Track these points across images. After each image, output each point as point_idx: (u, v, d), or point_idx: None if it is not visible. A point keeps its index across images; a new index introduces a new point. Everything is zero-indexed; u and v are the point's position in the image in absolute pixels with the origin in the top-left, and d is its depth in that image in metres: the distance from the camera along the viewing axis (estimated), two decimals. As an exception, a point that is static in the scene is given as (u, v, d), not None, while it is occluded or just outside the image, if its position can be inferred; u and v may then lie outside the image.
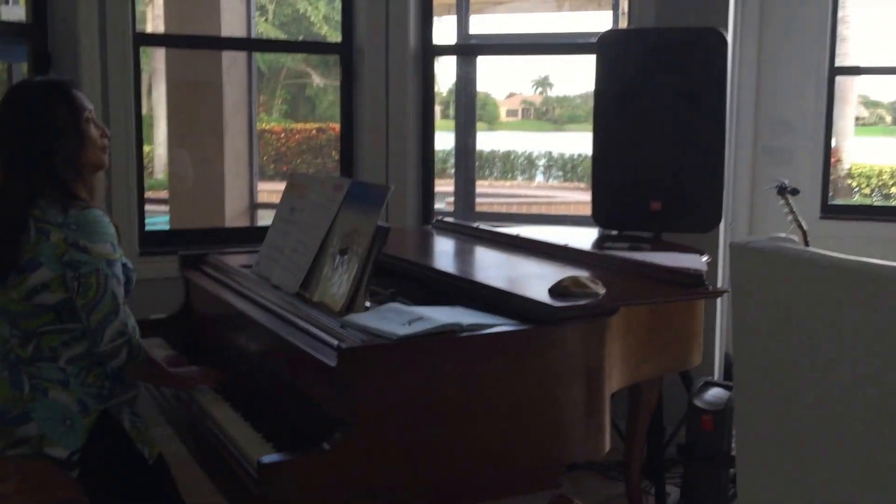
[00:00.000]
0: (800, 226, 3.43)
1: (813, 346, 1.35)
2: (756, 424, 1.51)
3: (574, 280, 2.11)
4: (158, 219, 5.77)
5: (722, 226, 3.55)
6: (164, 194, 6.31)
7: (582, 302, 2.04)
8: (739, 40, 4.15)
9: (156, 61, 6.91)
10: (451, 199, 4.79)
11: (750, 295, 1.50)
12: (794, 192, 3.48)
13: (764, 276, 1.47)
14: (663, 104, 3.35)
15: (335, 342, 1.81)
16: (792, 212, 3.45)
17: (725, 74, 3.32)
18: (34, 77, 2.40)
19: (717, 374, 3.75)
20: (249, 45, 5.95)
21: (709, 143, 3.32)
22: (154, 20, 7.84)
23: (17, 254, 2.05)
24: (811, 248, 1.39)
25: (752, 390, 1.52)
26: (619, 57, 3.43)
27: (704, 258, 2.82)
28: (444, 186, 4.93)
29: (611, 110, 3.44)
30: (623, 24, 3.94)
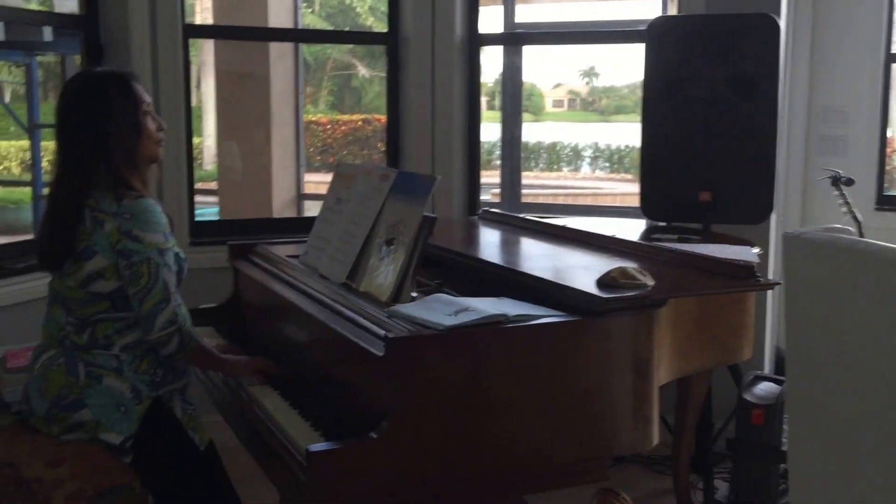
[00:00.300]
0: (854, 217, 3.35)
1: (869, 338, 1.32)
2: (809, 418, 1.49)
3: (622, 271, 2.09)
4: (207, 210, 5.85)
5: (773, 217, 3.49)
6: (212, 185, 6.39)
7: (630, 293, 2.02)
8: (792, 26, 4.06)
9: (204, 53, 6.99)
10: (496, 190, 4.77)
11: (803, 287, 1.47)
12: (849, 182, 3.40)
13: (818, 267, 1.44)
14: (714, 93, 3.29)
15: (383, 332, 1.82)
16: (846, 203, 3.38)
17: (778, 62, 3.26)
18: (94, 68, 2.45)
19: (767, 367, 3.69)
20: (297, 35, 5.99)
21: (760, 133, 3.26)
22: (202, 12, 7.93)
23: (72, 242, 2.10)
24: (867, 240, 1.36)
25: (805, 383, 1.50)
26: (669, 44, 3.38)
27: (756, 250, 2.77)
28: (489, 178, 4.91)
29: (660, 99, 3.39)
30: (672, 10, 3.88)
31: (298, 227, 4.14)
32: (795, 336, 1.50)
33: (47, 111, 4.49)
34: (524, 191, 4.72)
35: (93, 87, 2.19)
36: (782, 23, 3.38)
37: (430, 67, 4.06)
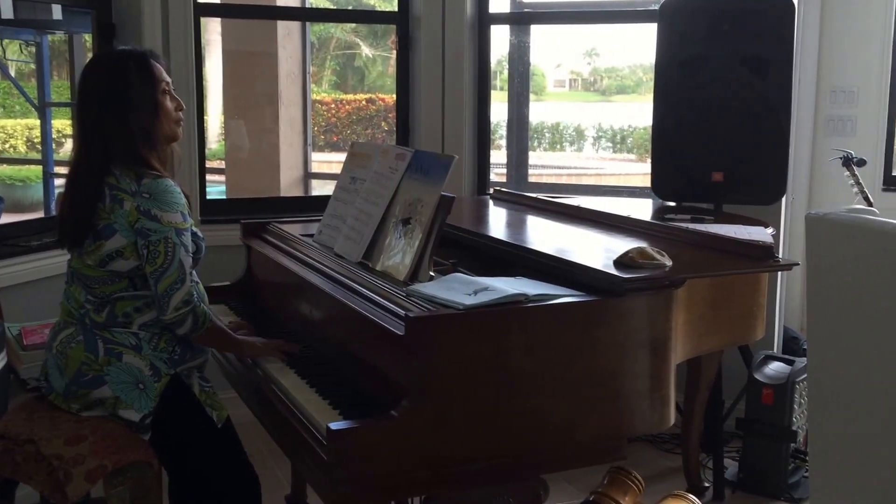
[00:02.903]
0: (866, 198, 3.36)
1: (893, 319, 1.32)
2: (830, 399, 1.49)
3: (640, 251, 2.09)
4: (212, 188, 5.83)
5: (784, 198, 3.49)
6: (217, 164, 6.37)
7: (649, 273, 2.02)
8: (802, 6, 4.05)
9: (209, 32, 6.95)
10: (500, 170, 4.76)
11: (827, 267, 1.47)
12: (861, 163, 3.40)
13: (842, 248, 1.44)
14: (727, 73, 3.29)
15: (403, 311, 1.82)
16: (858, 183, 3.38)
17: (792, 42, 3.25)
18: (115, 47, 2.44)
19: (776, 347, 3.70)
20: (308, 14, 5.97)
21: (774, 113, 3.26)
22: (210, -9, 7.87)
23: (92, 219, 2.10)
24: (894, 221, 1.36)
25: (827, 364, 1.50)
26: (682, 25, 3.37)
27: (770, 230, 2.78)
28: (494, 157, 4.90)
29: (672, 79, 3.39)
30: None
31: (307, 205, 4.14)
32: (817, 318, 1.50)
33: (55, 89, 4.48)
34: (529, 170, 4.71)
35: (112, 66, 2.19)
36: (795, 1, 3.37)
37: (440, 46, 4.05)
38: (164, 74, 2.23)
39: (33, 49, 4.28)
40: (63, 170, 3.98)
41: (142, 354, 2.13)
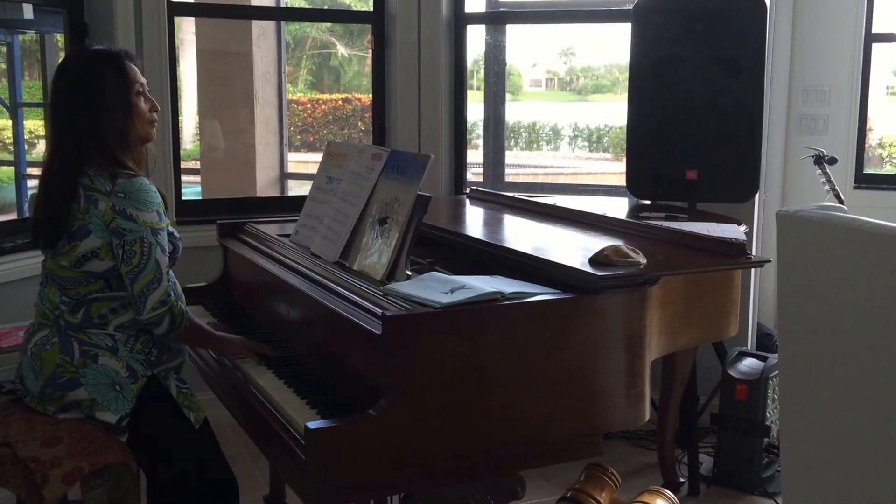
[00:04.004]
0: (837, 195, 3.40)
1: (864, 315, 1.35)
2: (802, 395, 1.52)
3: (615, 249, 2.11)
4: (187, 189, 5.79)
5: (756, 196, 3.53)
6: (192, 164, 6.33)
7: (624, 271, 2.04)
8: (774, 6, 4.09)
9: (183, 32, 6.91)
10: (477, 169, 4.77)
11: (798, 264, 1.49)
12: (832, 161, 3.45)
13: (813, 245, 1.46)
14: (700, 73, 3.32)
15: (380, 310, 1.83)
16: (829, 181, 3.42)
17: (764, 42, 3.29)
18: (90, 47, 2.42)
19: (749, 344, 3.75)
20: (283, 14, 5.96)
21: (747, 112, 3.29)
22: (184, -10, 7.82)
23: (66, 220, 2.09)
24: (863, 218, 1.38)
25: (798, 360, 1.52)
26: (655, 25, 3.40)
27: (743, 228, 2.81)
28: (471, 157, 4.91)
29: (646, 79, 3.41)
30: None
31: (283, 206, 4.14)
32: (788, 314, 1.52)
33: (27, 90, 4.43)
34: (505, 170, 4.73)
35: (86, 66, 2.18)
36: (766, 1, 3.41)
37: (416, 46, 4.05)
38: (139, 75, 2.22)
39: (4, 49, 4.24)
40: (36, 171, 3.94)
41: (118, 356, 2.12)
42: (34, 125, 4.56)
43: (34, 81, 4.60)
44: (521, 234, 2.78)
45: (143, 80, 2.24)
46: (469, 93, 4.26)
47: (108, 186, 2.09)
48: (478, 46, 4.52)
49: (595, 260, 2.09)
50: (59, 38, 3.89)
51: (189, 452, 2.17)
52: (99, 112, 2.13)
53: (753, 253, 3.58)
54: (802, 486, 1.53)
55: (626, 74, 3.58)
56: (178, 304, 2.15)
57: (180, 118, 4.20)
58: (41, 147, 4.37)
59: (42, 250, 2.19)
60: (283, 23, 5.96)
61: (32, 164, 4.21)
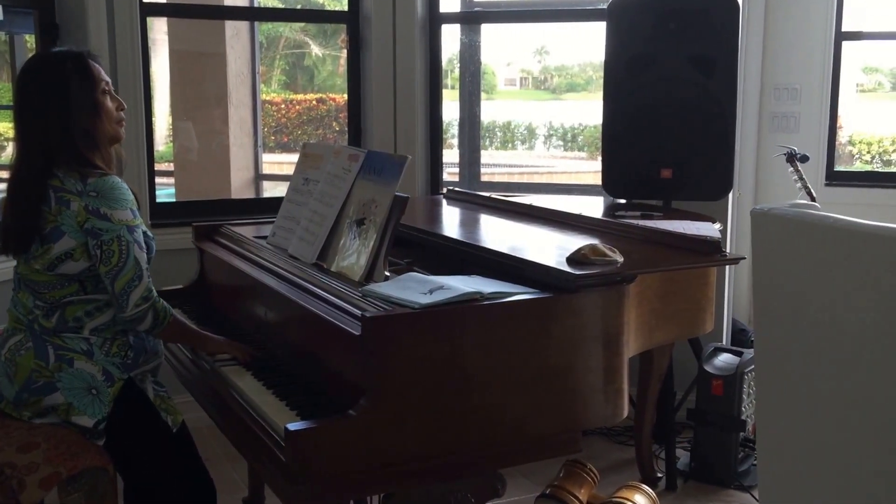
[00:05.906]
0: (809, 193, 3.44)
1: (837, 312, 1.37)
2: (777, 391, 1.53)
3: (592, 248, 2.12)
4: (162, 191, 5.75)
5: (730, 194, 3.57)
6: (165, 166, 6.29)
7: (601, 270, 2.06)
8: (746, 4, 4.13)
9: (155, 32, 6.86)
10: (453, 169, 4.77)
11: (772, 262, 1.51)
12: (804, 158, 3.49)
13: (787, 243, 1.48)
14: (674, 72, 3.34)
15: (359, 311, 1.82)
16: (801, 179, 3.46)
17: (737, 41, 3.32)
18: (52, 48, 2.40)
19: (725, 339, 3.78)
20: (256, 14, 5.93)
21: (720, 111, 3.32)
22: (155, -10, 7.75)
23: (38, 223, 2.07)
24: (836, 216, 1.40)
25: (773, 357, 1.54)
26: (629, 24, 3.42)
27: (717, 226, 2.84)
28: (446, 156, 4.92)
29: (621, 78, 3.43)
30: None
31: (259, 207, 4.12)
32: (763, 310, 1.54)
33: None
34: (481, 169, 4.74)
35: (50, 67, 2.15)
36: (739, 1, 3.44)
37: (390, 45, 4.05)
38: (103, 74, 2.21)
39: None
40: (5, 174, 3.90)
41: (94, 360, 2.10)
42: (4, 127, 4.51)
43: (4, 84, 4.55)
44: (498, 234, 2.79)
45: (108, 79, 2.22)
46: (444, 92, 4.27)
47: (80, 186, 2.07)
48: (452, 46, 4.53)
49: (572, 259, 2.10)
50: (30, 39, 3.84)
51: (166, 456, 2.16)
52: (66, 112, 2.10)
53: (728, 250, 3.61)
54: (778, 479, 1.55)
55: (600, 73, 3.60)
56: (160, 300, 2.15)
57: (153, 119, 4.17)
58: (11, 150, 4.32)
59: (14, 256, 2.16)
60: (256, 23, 5.93)
61: (1, 167, 4.16)
